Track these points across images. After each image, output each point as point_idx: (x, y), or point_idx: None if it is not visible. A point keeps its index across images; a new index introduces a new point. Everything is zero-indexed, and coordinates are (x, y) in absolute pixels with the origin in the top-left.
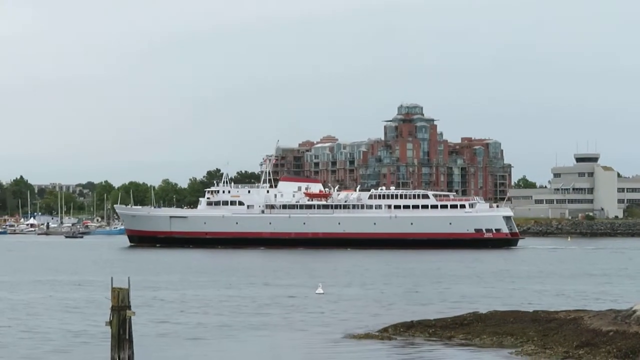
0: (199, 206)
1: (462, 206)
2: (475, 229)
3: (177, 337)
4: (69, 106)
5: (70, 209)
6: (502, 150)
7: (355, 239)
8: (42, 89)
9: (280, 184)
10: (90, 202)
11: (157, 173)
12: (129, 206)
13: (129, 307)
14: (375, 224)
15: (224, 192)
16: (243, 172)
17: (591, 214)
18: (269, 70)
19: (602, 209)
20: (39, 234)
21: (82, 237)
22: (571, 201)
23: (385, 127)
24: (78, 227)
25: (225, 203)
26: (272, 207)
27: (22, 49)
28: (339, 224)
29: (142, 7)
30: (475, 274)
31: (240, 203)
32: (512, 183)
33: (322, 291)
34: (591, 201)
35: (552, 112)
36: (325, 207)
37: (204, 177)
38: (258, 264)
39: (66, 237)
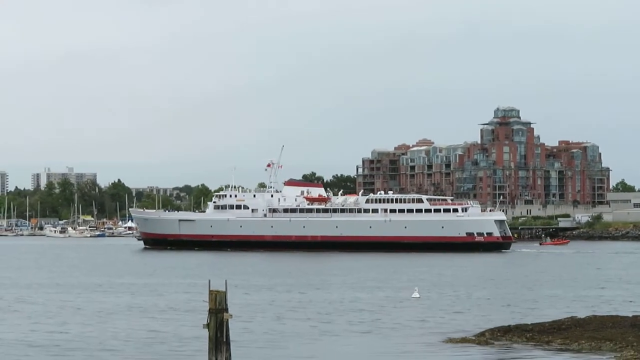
0: (207, 210)
1: (455, 210)
2: (466, 233)
3: (271, 340)
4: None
5: None
6: (600, 154)
7: (352, 242)
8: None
9: (285, 188)
10: (187, 206)
11: (255, 177)
12: (143, 210)
13: (227, 310)
14: (370, 227)
15: (230, 196)
16: (339, 175)
17: None
18: (365, 77)
19: None
20: (136, 237)
21: None
22: None
23: (481, 130)
24: None
25: (231, 207)
26: (274, 210)
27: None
28: (337, 227)
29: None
30: (558, 278)
31: (245, 207)
32: (611, 187)
33: (418, 295)
34: None
35: None
36: (325, 210)
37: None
38: (330, 267)
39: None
